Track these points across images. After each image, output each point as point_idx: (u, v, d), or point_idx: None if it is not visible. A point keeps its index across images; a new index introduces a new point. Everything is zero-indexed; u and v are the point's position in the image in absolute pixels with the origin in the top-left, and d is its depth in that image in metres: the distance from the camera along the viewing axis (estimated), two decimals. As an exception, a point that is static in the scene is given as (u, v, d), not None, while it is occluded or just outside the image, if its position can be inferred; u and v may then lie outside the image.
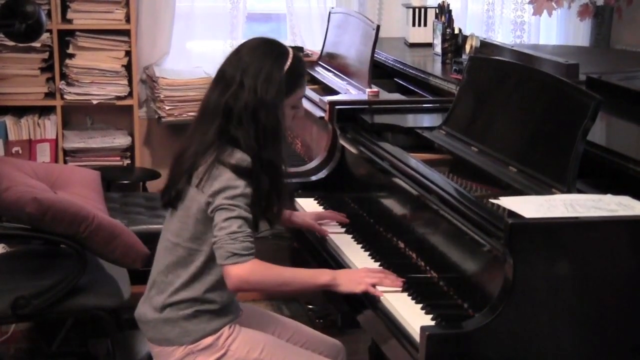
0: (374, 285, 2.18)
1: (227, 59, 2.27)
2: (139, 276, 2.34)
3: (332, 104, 2.98)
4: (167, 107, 4.14)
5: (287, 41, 4.43)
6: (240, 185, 2.14)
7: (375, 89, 3.17)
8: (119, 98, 4.19)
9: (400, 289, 2.17)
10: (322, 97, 3.15)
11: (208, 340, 2.25)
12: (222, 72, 2.26)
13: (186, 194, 2.23)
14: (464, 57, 3.44)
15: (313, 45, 4.21)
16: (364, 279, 2.20)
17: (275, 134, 2.21)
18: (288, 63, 2.24)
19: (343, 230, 2.61)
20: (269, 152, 2.20)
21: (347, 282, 2.21)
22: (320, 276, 2.24)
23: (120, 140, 4.25)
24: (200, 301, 2.24)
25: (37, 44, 4.02)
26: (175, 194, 2.25)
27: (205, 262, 2.22)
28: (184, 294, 2.24)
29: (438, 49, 3.76)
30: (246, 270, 2.12)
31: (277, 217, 2.32)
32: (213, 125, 2.20)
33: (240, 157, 2.16)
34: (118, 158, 4.25)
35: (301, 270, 2.28)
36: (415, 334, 1.93)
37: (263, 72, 2.20)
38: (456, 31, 3.69)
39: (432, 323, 1.97)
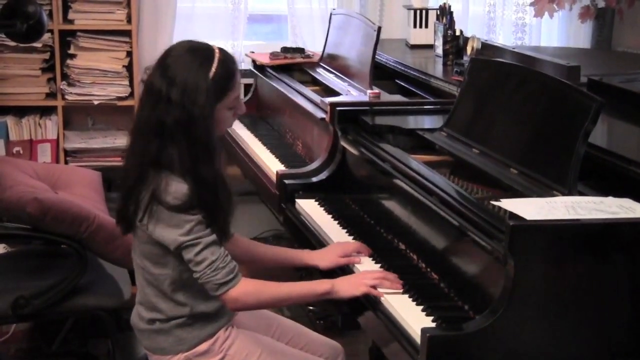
0: (374, 287, 2.17)
1: (154, 69, 2.16)
2: (140, 276, 2.36)
3: (333, 105, 2.97)
4: (168, 108, 4.13)
5: (289, 42, 4.43)
6: (188, 218, 2.10)
7: (376, 90, 3.16)
8: (120, 98, 4.19)
9: (400, 290, 2.17)
10: (323, 99, 3.14)
11: (204, 346, 2.24)
12: (150, 84, 2.15)
13: (134, 223, 2.19)
14: (465, 58, 3.44)
15: (314, 46, 4.20)
16: (363, 281, 2.20)
17: (208, 146, 2.13)
18: (213, 69, 2.13)
19: (345, 231, 2.61)
20: (205, 169, 2.12)
21: (347, 286, 2.21)
22: (319, 286, 2.23)
23: (122, 140, 4.24)
24: (189, 316, 2.23)
25: (38, 44, 4.02)
26: (128, 222, 2.21)
27: (172, 284, 2.20)
28: (169, 313, 2.23)
29: (439, 50, 3.75)
30: (239, 293, 2.14)
31: (224, 232, 2.20)
32: (150, 145, 2.12)
33: (175, 190, 2.09)
34: (119, 158, 4.24)
35: (298, 284, 2.26)
36: (416, 336, 1.92)
37: (188, 83, 2.09)
38: (457, 33, 3.68)
39: (433, 325, 1.97)
